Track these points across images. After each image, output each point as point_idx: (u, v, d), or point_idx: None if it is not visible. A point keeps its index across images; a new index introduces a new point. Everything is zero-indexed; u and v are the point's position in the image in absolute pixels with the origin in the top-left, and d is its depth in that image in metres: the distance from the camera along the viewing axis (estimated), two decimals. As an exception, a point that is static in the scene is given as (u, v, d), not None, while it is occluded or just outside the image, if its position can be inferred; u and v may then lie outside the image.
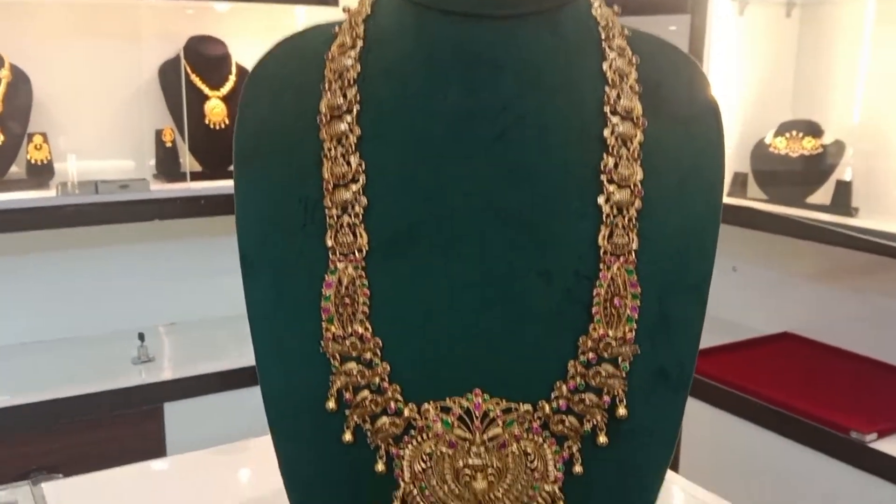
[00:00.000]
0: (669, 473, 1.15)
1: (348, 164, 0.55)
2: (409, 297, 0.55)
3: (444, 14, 0.55)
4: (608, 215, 0.55)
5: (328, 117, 0.56)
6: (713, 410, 1.68)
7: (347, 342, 0.55)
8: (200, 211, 1.75)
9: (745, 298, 2.00)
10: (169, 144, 1.85)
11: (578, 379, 0.55)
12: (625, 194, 0.55)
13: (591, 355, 0.55)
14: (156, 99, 1.87)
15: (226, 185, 1.75)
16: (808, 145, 1.70)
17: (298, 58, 0.60)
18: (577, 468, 0.55)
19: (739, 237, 1.85)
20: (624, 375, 0.55)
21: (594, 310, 0.54)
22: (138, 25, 1.85)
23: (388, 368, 0.55)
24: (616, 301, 0.54)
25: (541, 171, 0.55)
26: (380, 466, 0.55)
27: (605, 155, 0.55)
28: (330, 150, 0.56)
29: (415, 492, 0.55)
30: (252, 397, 1.75)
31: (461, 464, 0.55)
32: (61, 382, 1.62)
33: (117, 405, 1.62)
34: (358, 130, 0.56)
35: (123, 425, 1.63)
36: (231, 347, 1.82)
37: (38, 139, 1.71)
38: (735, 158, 1.83)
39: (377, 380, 0.55)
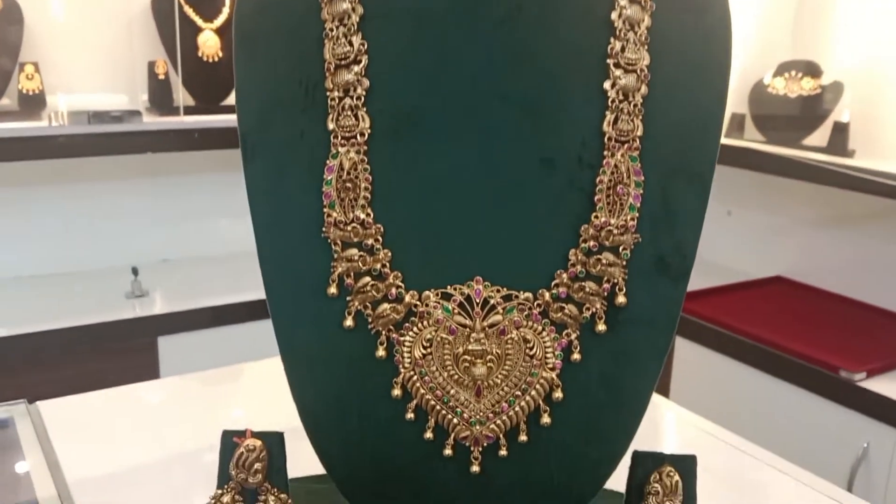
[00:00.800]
0: (661, 399, 1.16)
1: (350, 43, 0.54)
2: (411, 183, 0.55)
3: None
4: (613, 100, 0.54)
5: None
6: (703, 350, 1.69)
7: (349, 227, 0.55)
8: (194, 144, 1.73)
9: (739, 243, 2.01)
10: (162, 77, 1.82)
11: (579, 267, 0.55)
12: (631, 79, 0.54)
13: (592, 243, 0.54)
14: (148, 31, 1.84)
15: (220, 119, 1.73)
16: (807, 86, 1.69)
17: None
18: (576, 356, 0.55)
19: (735, 179, 1.85)
20: (624, 264, 0.55)
21: (596, 197, 0.54)
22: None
23: (390, 255, 0.55)
24: (619, 188, 0.54)
25: (546, 55, 0.54)
26: (380, 352, 0.55)
27: (612, 39, 0.54)
28: (331, 29, 0.55)
29: (415, 377, 0.55)
30: (247, 332, 1.76)
31: (461, 350, 0.55)
32: (55, 315, 1.62)
33: (111, 338, 1.62)
34: (360, 9, 0.54)
35: (118, 358, 1.63)
36: (225, 284, 1.82)
37: (29, 69, 1.69)
38: (733, 100, 1.83)
39: (378, 266, 0.55)
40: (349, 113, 0.54)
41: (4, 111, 1.70)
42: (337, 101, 0.54)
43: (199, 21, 1.83)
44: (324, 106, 0.55)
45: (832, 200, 1.71)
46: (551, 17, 0.54)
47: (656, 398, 1.11)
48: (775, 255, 1.94)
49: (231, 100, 1.89)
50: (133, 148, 1.71)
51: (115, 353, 1.63)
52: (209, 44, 1.83)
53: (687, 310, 1.72)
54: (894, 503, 1.44)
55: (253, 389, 1.13)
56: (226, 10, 1.86)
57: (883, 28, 1.72)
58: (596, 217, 0.54)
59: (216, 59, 1.84)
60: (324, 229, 0.55)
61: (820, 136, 1.70)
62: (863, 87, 1.72)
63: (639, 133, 0.54)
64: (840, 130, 1.65)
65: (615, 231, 0.54)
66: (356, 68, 0.54)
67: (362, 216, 0.54)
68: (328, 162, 0.55)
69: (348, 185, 0.54)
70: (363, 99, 0.54)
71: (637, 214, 0.55)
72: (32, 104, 1.69)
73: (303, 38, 0.55)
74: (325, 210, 0.55)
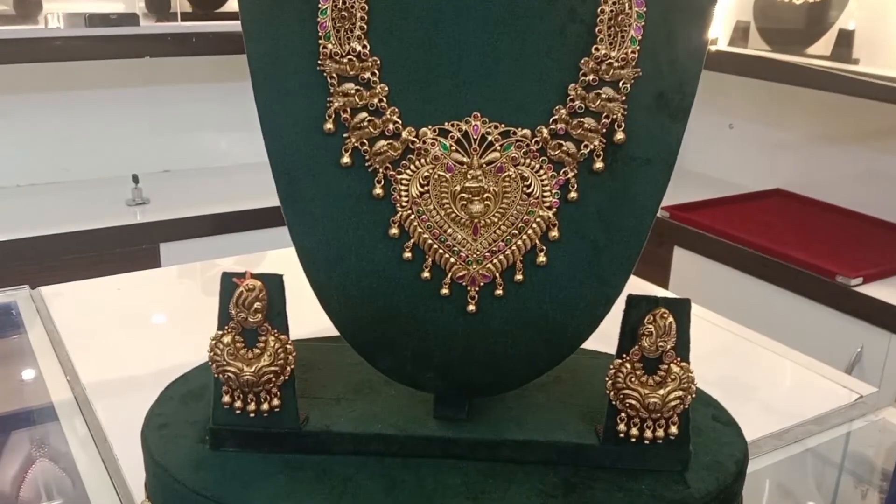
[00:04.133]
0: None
1: None
2: (408, 14, 0.54)
3: None
4: (616, -69, 0.53)
5: None
6: (701, 259, 1.70)
7: (345, 60, 0.54)
8: (191, 49, 1.71)
9: (741, 156, 2.01)
10: (159, -17, 1.80)
11: (578, 102, 0.54)
12: None
13: (592, 77, 0.54)
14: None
15: (217, 25, 1.71)
16: (814, -8, 1.66)
17: None
18: (573, 194, 0.55)
19: (738, 88, 1.83)
20: (624, 98, 0.54)
21: (597, 28, 0.54)
22: None
23: (387, 89, 0.55)
24: (620, 18, 0.54)
25: None
26: (377, 190, 0.55)
27: None
28: None
29: (412, 216, 0.56)
30: (248, 240, 1.76)
31: (458, 188, 0.55)
32: (58, 221, 1.63)
33: (113, 243, 1.63)
34: None
35: (121, 263, 1.64)
36: (226, 194, 1.82)
37: (23, -29, 1.66)
38: (737, 7, 1.80)
39: (375, 101, 0.54)
40: (346, -59, 0.53)
41: (1, 15, 1.68)
42: (334, -70, 0.53)
43: (196, -76, 1.80)
44: (321, -65, 0.54)
45: (835, 110, 1.70)
46: None
47: (655, 289, 1.12)
48: (776, 169, 1.94)
49: (227, 7, 1.86)
50: (130, 52, 1.69)
51: (118, 259, 1.64)
52: (206, -52, 1.79)
53: (685, 219, 1.72)
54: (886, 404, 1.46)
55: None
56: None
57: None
58: (596, 49, 0.54)
59: (214, -37, 1.81)
60: (319, 62, 0.54)
61: (824, 45, 1.68)
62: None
63: (641, -37, 0.54)
64: (845, 38, 1.63)
65: (616, 64, 0.54)
66: None
67: (358, 48, 0.54)
68: (324, -8, 0.54)
69: (344, 14, 0.54)
70: (361, -67, 0.53)
71: (638, 47, 0.54)
72: (28, 6, 1.67)
73: None
74: (320, 42, 0.54)
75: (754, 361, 0.97)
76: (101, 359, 0.88)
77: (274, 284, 0.59)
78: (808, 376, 0.92)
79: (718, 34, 1.79)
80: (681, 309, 0.58)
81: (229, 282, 0.59)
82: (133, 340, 0.93)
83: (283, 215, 0.58)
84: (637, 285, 1.05)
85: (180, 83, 1.90)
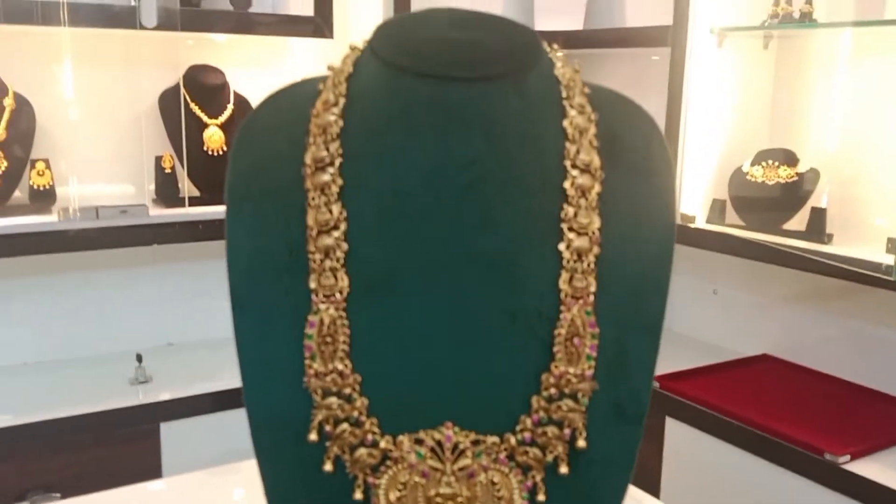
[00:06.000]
0: (646, 496, 1.18)
1: (330, 212, 0.60)
2: (386, 336, 0.60)
3: (420, 76, 0.60)
4: (568, 260, 0.60)
5: (313, 168, 0.61)
6: (693, 431, 1.72)
7: (329, 378, 0.59)
8: (198, 235, 1.79)
9: (726, 321, 2.06)
10: (168, 170, 1.90)
11: (541, 413, 0.59)
12: (584, 241, 0.60)
13: (552, 391, 0.59)
14: (156, 126, 1.92)
15: (222, 210, 1.79)
16: (784, 174, 1.75)
17: (287, 111, 0.65)
18: (541, 496, 0.59)
19: (719, 261, 1.90)
20: (584, 410, 0.59)
21: (556, 348, 0.59)
22: (140, 54, 1.91)
23: (367, 402, 0.60)
24: (576, 340, 0.59)
25: (507, 219, 0.60)
26: (358, 495, 0.60)
27: (565, 205, 0.60)
28: (314, 198, 0.61)
29: (391, 519, 0.60)
30: (246, 419, 1.78)
31: (433, 492, 0.59)
32: (60, 403, 1.66)
33: (115, 425, 1.66)
34: (340, 181, 0.60)
35: (120, 445, 1.67)
36: (226, 368, 1.86)
37: (40, 165, 1.76)
38: (714, 185, 1.89)
39: (356, 413, 0.59)
40: (329, 273, 0.60)
41: (16, 205, 1.77)
42: (318, 262, 0.60)
43: (204, 117, 1.91)
44: (306, 266, 0.60)
45: (813, 282, 1.76)
46: (510, 186, 0.60)
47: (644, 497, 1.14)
48: (762, 333, 1.98)
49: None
50: (140, 240, 1.78)
51: (117, 441, 1.67)
52: (214, 138, 1.91)
53: (675, 390, 1.76)
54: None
55: (253, 487, 1.17)
56: (230, 107, 1.95)
57: (856, 116, 1.79)
58: (555, 367, 0.59)
59: (220, 152, 1.92)
60: (305, 380, 0.60)
61: (799, 221, 1.76)
62: (840, 172, 1.78)
63: (592, 290, 0.60)
64: (817, 215, 1.71)
65: (574, 380, 0.59)
66: (336, 234, 0.60)
67: (341, 367, 0.59)
68: (310, 318, 0.60)
69: (328, 339, 0.60)
70: (342, 261, 0.60)
71: (594, 364, 0.60)
72: (42, 199, 1.76)
73: (289, 204, 0.61)
74: (306, 362, 0.60)
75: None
76: None
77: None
78: None
79: (696, 211, 1.88)
80: None
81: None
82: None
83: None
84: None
85: (187, 261, 1.98)
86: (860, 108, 1.78)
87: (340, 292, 0.60)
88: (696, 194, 1.87)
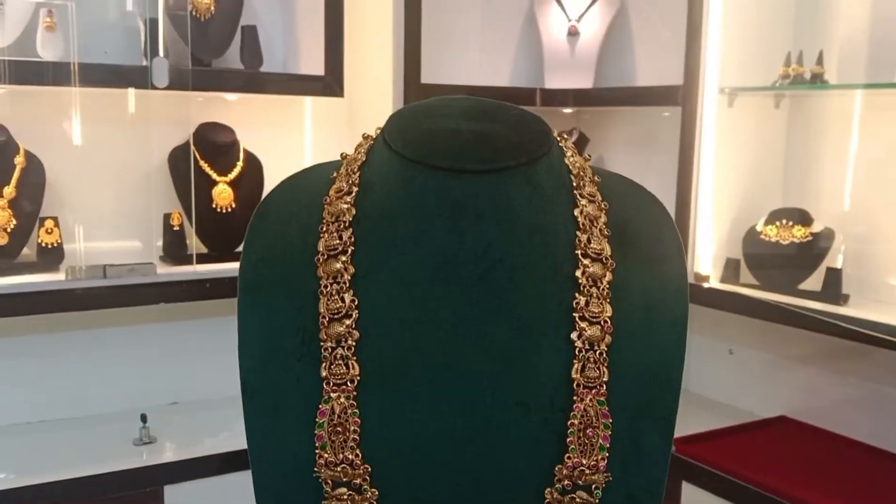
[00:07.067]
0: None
1: (342, 300, 0.59)
2: (397, 426, 0.59)
3: (431, 168, 0.60)
4: (580, 350, 0.59)
5: (325, 256, 0.61)
6: (710, 497, 1.68)
7: (339, 468, 0.58)
8: (205, 293, 1.79)
9: (742, 381, 2.02)
10: (176, 228, 1.90)
11: (555, 505, 0.58)
12: (595, 330, 0.59)
13: (566, 482, 0.58)
14: (165, 183, 1.93)
15: (230, 268, 1.79)
16: (798, 233, 1.74)
17: (300, 198, 0.65)
18: (557, 589, 0.58)
19: (734, 322, 1.87)
20: (597, 501, 0.58)
21: (569, 439, 0.58)
22: (150, 112, 1.92)
23: (377, 493, 0.58)
24: (589, 431, 0.58)
25: (518, 309, 0.59)
26: (368, 589, 0.58)
27: (576, 294, 0.59)
28: (326, 286, 0.60)
29: None
30: (250, 481, 1.75)
31: (445, 586, 0.57)
32: (62, 464, 1.64)
33: (118, 487, 1.63)
34: (352, 269, 0.60)
35: (122, 508, 1.64)
36: (232, 427, 1.84)
37: (49, 223, 1.77)
38: (727, 245, 1.87)
39: (366, 504, 0.58)
40: (340, 362, 0.59)
41: (25, 262, 1.77)
42: (330, 350, 0.59)
43: (213, 175, 1.92)
44: (318, 354, 0.59)
45: (830, 343, 1.73)
46: (521, 276, 0.60)
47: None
48: (779, 394, 1.95)
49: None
50: (146, 299, 1.77)
51: (122, 503, 1.64)
52: (223, 195, 1.91)
53: (693, 454, 1.72)
54: None
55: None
56: (239, 165, 1.95)
57: (870, 175, 1.78)
58: (569, 458, 0.58)
59: (229, 209, 1.92)
60: (315, 469, 0.58)
61: (814, 281, 1.74)
62: (854, 231, 1.77)
63: (605, 379, 0.59)
64: (833, 276, 1.69)
65: (587, 471, 0.58)
66: (347, 322, 0.59)
67: (351, 457, 0.58)
68: (321, 406, 0.59)
69: (339, 428, 0.58)
70: (353, 349, 0.59)
71: (607, 454, 0.58)
72: (51, 256, 1.76)
73: (301, 293, 0.61)
74: (317, 451, 0.58)
75: None
76: None
77: None
78: None
79: (709, 271, 1.86)
80: None
81: None
82: None
83: None
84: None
85: (193, 319, 1.97)
86: (874, 167, 1.78)
87: (351, 381, 0.59)
88: (709, 253, 1.85)
